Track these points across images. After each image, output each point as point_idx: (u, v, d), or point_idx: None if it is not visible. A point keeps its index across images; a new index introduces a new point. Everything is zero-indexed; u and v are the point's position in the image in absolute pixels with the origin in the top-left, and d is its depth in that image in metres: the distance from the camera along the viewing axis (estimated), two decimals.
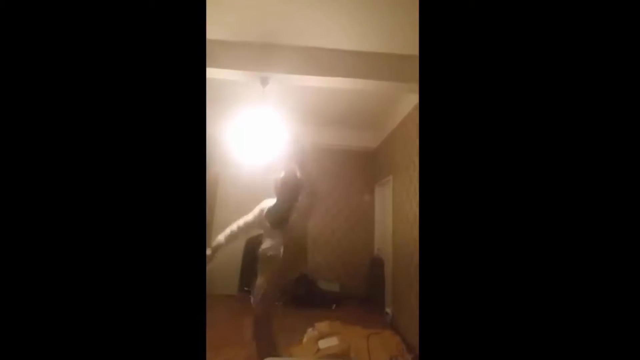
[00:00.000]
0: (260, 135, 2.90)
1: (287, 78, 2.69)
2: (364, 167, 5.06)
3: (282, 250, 1.92)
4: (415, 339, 2.83)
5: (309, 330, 2.81)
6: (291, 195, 2.00)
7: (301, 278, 4.08)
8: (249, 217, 2.11)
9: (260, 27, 2.44)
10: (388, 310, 3.78)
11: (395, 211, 3.81)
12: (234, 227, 2.09)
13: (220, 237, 2.05)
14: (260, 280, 2.00)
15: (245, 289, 4.63)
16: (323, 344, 2.52)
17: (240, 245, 4.36)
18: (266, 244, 2.03)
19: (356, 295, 4.48)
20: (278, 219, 2.00)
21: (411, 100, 3.44)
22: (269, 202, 2.12)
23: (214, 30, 2.46)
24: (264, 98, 3.13)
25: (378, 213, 4.77)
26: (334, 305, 4.15)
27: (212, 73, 2.61)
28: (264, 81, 2.73)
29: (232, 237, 2.06)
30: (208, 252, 1.92)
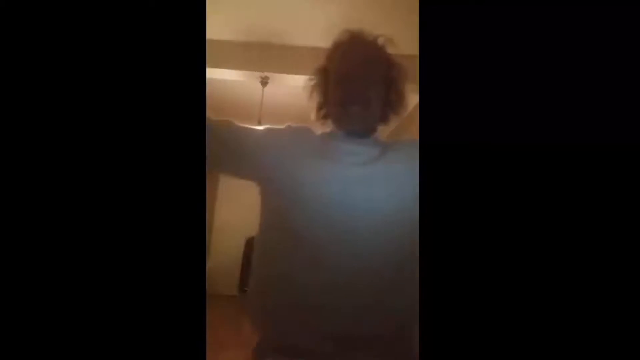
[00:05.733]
0: None
1: (287, 78, 2.69)
2: None
3: None
4: None
5: None
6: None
7: None
8: None
9: (261, 27, 2.44)
10: None
11: None
12: None
13: None
14: None
15: (245, 289, 4.63)
16: None
17: (240, 245, 4.36)
18: None
19: None
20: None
21: (411, 100, 3.43)
22: None
23: (214, 30, 2.46)
24: (264, 98, 3.13)
25: None
26: None
27: (212, 73, 2.60)
28: (264, 81, 2.73)
29: None
30: None
